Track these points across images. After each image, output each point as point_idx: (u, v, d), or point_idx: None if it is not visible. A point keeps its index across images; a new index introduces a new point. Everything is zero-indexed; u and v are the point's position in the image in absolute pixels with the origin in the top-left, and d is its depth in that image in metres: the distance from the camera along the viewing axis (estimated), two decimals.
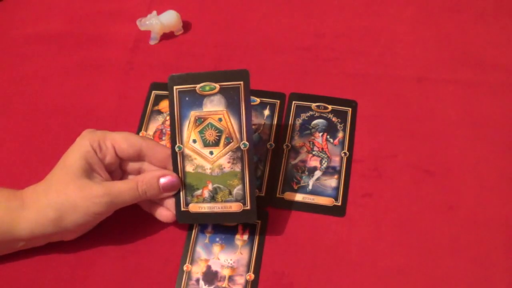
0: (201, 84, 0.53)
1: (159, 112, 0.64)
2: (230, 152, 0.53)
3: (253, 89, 0.64)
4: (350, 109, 0.63)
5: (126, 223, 0.57)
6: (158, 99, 0.65)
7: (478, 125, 0.61)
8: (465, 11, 0.70)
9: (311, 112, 0.63)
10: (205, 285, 0.54)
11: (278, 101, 0.64)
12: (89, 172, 0.51)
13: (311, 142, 0.61)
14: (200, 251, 0.55)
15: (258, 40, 0.69)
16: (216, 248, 0.55)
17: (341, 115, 0.63)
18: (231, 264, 0.54)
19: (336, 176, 0.59)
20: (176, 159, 0.53)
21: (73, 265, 0.55)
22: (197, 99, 0.53)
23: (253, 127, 0.62)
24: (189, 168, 0.53)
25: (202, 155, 0.53)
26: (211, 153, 0.53)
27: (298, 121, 0.63)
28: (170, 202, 0.54)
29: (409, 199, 0.57)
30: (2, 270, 0.54)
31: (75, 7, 0.74)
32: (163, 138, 0.62)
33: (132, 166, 0.54)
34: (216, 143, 0.53)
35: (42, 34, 0.71)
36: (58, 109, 0.65)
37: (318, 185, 0.59)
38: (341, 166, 0.60)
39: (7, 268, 0.54)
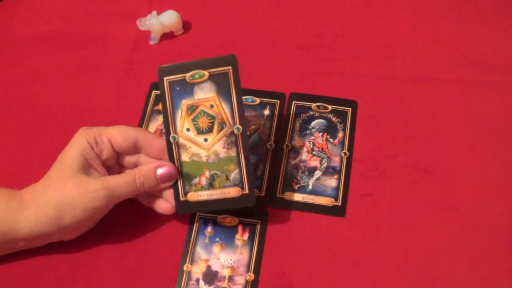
0: (191, 73, 0.53)
1: (159, 112, 0.64)
2: (224, 138, 0.53)
3: (253, 89, 0.65)
4: (350, 109, 0.63)
5: (126, 223, 0.57)
6: (158, 99, 0.65)
7: (478, 125, 0.61)
8: (465, 11, 0.70)
9: (311, 112, 0.63)
10: (205, 285, 0.54)
11: (278, 101, 0.64)
12: (86, 168, 0.51)
13: (311, 142, 0.61)
14: (200, 251, 0.55)
15: (258, 40, 0.69)
16: (216, 248, 0.55)
17: (341, 115, 0.63)
18: (231, 264, 0.54)
19: (336, 176, 0.59)
20: (172, 149, 0.54)
21: (73, 265, 0.55)
22: (188, 88, 0.53)
23: (253, 127, 0.62)
24: (185, 157, 0.53)
25: (197, 143, 0.53)
26: (206, 140, 0.53)
27: (298, 121, 0.63)
28: (169, 193, 0.54)
29: (409, 199, 0.57)
30: (2, 270, 0.54)
31: (75, 7, 0.74)
32: (164, 137, 0.62)
33: (129, 160, 0.54)
34: (209, 130, 0.53)
35: (42, 34, 0.71)
36: (58, 109, 0.65)
37: (318, 185, 0.59)
38: (341, 166, 0.60)
39: (8, 268, 0.54)
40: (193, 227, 0.56)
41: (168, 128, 0.54)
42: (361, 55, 0.67)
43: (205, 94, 0.53)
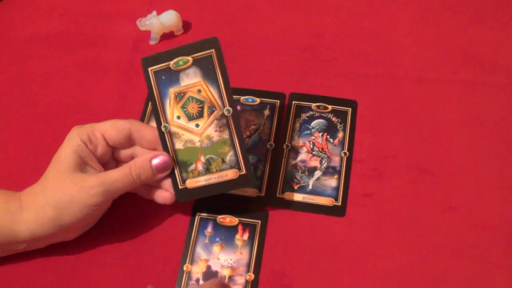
0: (174, 60, 0.53)
1: None
2: (215, 121, 0.53)
3: (253, 89, 0.65)
4: (350, 109, 0.63)
5: (126, 223, 0.57)
6: None
7: (478, 125, 0.61)
8: (465, 11, 0.70)
9: (311, 112, 0.63)
10: None
11: (278, 101, 0.64)
12: (82, 165, 0.51)
13: (311, 142, 0.61)
14: (200, 251, 0.55)
15: (258, 40, 0.69)
16: (216, 248, 0.55)
17: (341, 115, 0.63)
18: (231, 264, 0.54)
19: (336, 176, 0.59)
20: (165, 138, 0.54)
21: (73, 265, 0.55)
22: (173, 76, 0.53)
23: (253, 127, 0.62)
24: (178, 145, 0.53)
25: (189, 130, 0.53)
26: (197, 125, 0.53)
27: (298, 121, 0.63)
28: (168, 183, 0.54)
29: (409, 199, 0.57)
30: (3, 271, 0.54)
31: (75, 7, 0.74)
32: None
33: (124, 153, 0.55)
34: (200, 115, 0.53)
35: (42, 34, 0.71)
36: (58, 109, 0.65)
37: (318, 185, 0.59)
38: (341, 166, 0.60)
39: (8, 268, 0.54)
40: (193, 227, 0.56)
41: (158, 118, 0.54)
42: (361, 55, 0.67)
43: (191, 80, 0.53)
